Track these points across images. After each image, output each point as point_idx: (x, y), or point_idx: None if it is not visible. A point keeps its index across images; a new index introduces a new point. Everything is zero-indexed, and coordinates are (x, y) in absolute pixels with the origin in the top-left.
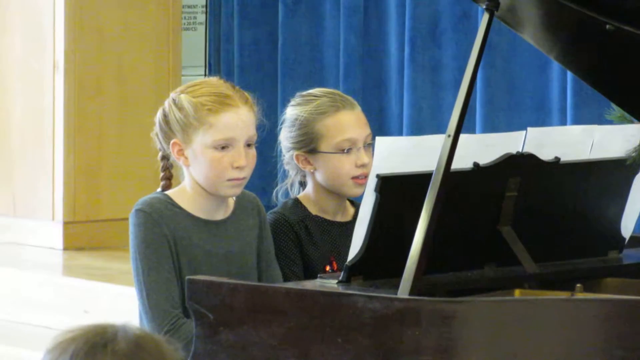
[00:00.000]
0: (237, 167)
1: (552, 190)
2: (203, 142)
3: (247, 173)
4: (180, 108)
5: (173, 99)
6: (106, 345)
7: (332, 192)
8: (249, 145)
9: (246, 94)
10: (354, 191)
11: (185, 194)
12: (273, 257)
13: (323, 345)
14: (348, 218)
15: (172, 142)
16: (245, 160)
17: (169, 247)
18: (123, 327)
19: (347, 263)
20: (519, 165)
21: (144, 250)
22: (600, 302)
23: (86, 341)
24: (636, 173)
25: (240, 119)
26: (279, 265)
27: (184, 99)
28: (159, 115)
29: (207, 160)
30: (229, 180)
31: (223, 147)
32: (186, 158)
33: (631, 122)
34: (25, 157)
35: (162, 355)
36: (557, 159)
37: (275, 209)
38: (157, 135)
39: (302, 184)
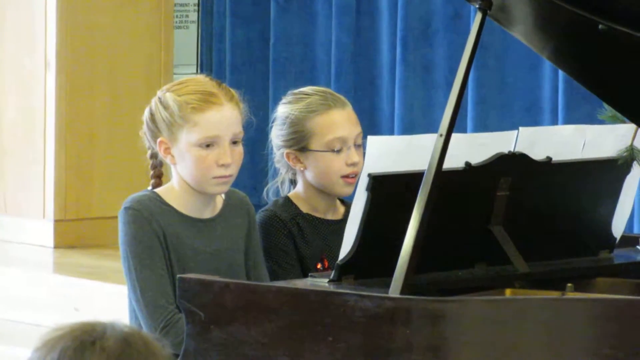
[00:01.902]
0: (223, 165)
1: (544, 190)
2: (188, 140)
3: (233, 170)
4: (165, 107)
5: (159, 98)
6: (95, 342)
7: (322, 190)
8: (235, 142)
9: (232, 91)
10: (344, 190)
11: (173, 192)
12: (260, 257)
13: (314, 343)
14: (339, 216)
15: (158, 140)
16: (230, 158)
17: (159, 243)
18: (111, 325)
19: (338, 262)
20: (511, 164)
21: (135, 247)
22: (591, 301)
23: (74, 339)
24: (627, 173)
25: (225, 116)
26: (276, 261)
27: (169, 97)
28: (146, 113)
29: (193, 159)
30: (215, 177)
31: (208, 145)
32: (173, 156)
33: (623, 121)
34: (17, 154)
35: (151, 352)
36: (549, 159)
37: (266, 207)
38: (145, 134)
39: (293, 182)
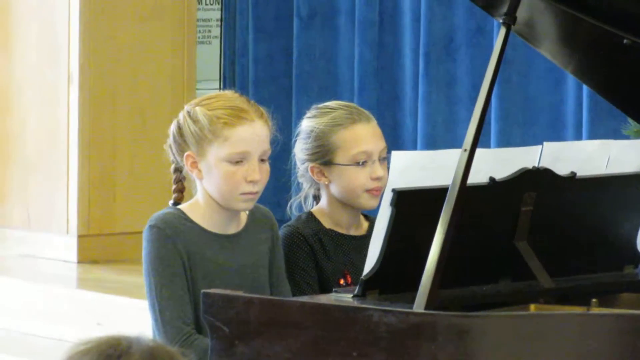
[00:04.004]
0: (251, 181)
1: (568, 205)
2: (217, 155)
3: (260, 187)
4: (195, 120)
5: (188, 112)
6: (120, 357)
7: (346, 204)
8: (262, 160)
9: (261, 108)
10: (369, 203)
11: (198, 208)
12: (283, 273)
13: (338, 359)
14: (362, 232)
15: (185, 154)
16: (259, 175)
17: (182, 262)
18: (137, 339)
19: (362, 277)
20: (535, 180)
21: (157, 266)
22: (616, 317)
23: (100, 353)
24: None
25: (255, 133)
26: (294, 278)
27: (199, 111)
28: (172, 127)
29: (221, 174)
30: (242, 194)
31: (237, 161)
32: (199, 171)
33: None
34: (40, 169)
35: None
36: (573, 174)
37: (288, 223)
38: (170, 147)
39: (316, 198)
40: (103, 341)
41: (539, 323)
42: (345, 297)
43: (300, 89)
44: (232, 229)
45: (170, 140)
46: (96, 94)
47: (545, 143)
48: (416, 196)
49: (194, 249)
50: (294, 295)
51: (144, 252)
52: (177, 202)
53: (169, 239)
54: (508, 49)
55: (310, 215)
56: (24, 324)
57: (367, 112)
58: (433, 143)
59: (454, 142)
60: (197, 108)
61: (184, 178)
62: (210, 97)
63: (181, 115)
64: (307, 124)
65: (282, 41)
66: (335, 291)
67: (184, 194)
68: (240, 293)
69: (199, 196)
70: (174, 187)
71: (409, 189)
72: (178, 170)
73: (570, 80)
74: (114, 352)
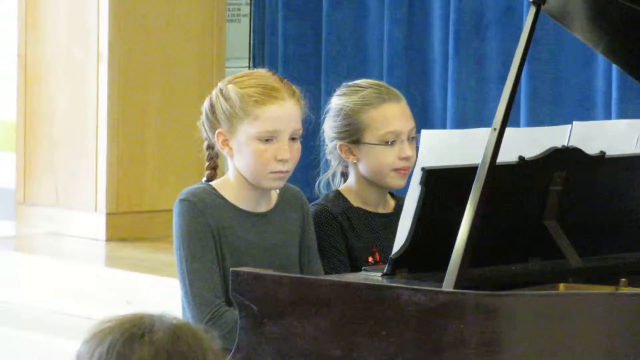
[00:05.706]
0: (281, 160)
1: (597, 185)
2: (248, 133)
3: (290, 166)
4: (227, 98)
5: (220, 89)
6: (144, 335)
7: (374, 183)
8: (293, 139)
9: (294, 87)
10: (397, 182)
11: (229, 185)
12: (315, 251)
13: (367, 337)
14: (389, 210)
15: (217, 131)
16: (289, 154)
17: (212, 236)
18: (160, 317)
19: (391, 256)
20: (565, 159)
21: (188, 239)
22: None
23: (123, 332)
24: None
25: (286, 112)
26: (327, 256)
27: (231, 89)
28: (205, 104)
29: (251, 152)
30: (272, 172)
31: (267, 140)
32: (230, 148)
33: None
34: (69, 147)
35: (199, 344)
36: (603, 153)
37: (317, 201)
38: (203, 124)
39: (344, 175)
40: (126, 319)
41: (567, 302)
42: (374, 276)
43: (329, 68)
44: (263, 208)
45: (203, 117)
46: (125, 72)
47: (574, 122)
48: (445, 175)
49: (224, 225)
50: (326, 273)
51: (174, 226)
52: (209, 179)
53: (199, 213)
54: (538, 28)
55: (338, 193)
56: (52, 302)
57: (397, 91)
58: (463, 122)
59: (483, 121)
60: (230, 86)
61: (217, 155)
62: (244, 75)
63: (214, 93)
64: (336, 102)
65: (311, 19)
66: (364, 270)
67: (217, 171)
68: (269, 271)
69: (230, 174)
70: (206, 164)
71: (438, 167)
72: (210, 147)
73: (600, 59)
74: (137, 331)
